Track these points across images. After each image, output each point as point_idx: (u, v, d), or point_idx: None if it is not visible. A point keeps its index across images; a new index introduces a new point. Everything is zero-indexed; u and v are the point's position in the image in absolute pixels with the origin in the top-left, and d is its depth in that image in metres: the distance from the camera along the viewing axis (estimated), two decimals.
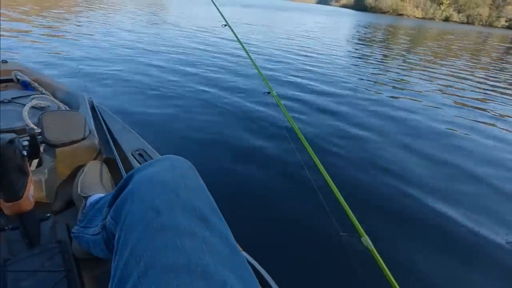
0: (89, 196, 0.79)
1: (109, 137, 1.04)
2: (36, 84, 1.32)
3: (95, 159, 0.98)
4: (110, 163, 1.00)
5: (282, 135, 2.28)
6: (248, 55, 1.08)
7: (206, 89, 3.16)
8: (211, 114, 2.55)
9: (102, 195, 0.78)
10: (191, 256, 0.33)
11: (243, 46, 1.17)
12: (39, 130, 0.60)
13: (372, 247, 0.48)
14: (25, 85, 1.34)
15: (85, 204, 0.76)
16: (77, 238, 0.65)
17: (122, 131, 1.09)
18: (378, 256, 0.47)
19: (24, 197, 0.62)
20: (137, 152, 0.99)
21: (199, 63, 4.22)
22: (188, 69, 3.83)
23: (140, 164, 0.93)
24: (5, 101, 1.03)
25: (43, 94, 1.26)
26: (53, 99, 1.16)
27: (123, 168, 0.89)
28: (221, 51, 5.37)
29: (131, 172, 0.48)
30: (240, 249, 0.48)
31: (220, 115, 2.56)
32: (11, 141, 0.57)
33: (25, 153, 0.62)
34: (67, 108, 1.20)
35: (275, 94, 0.99)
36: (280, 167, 1.89)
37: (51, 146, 0.59)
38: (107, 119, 1.18)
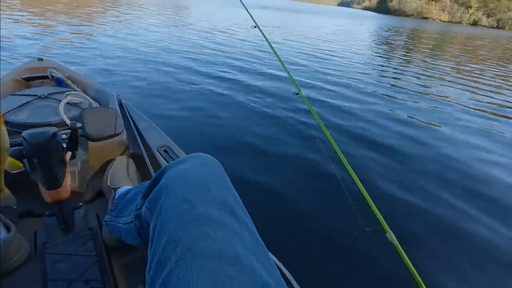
0: (118, 188, 0.84)
1: (136, 133, 1.09)
2: (69, 81, 1.39)
3: (122, 153, 1.03)
4: (136, 158, 1.05)
5: (306, 130, 2.30)
6: (277, 55, 1.09)
7: (232, 89, 3.19)
8: (237, 114, 2.57)
9: (130, 187, 0.82)
10: (222, 244, 0.36)
11: (271, 46, 1.18)
12: (80, 125, 0.64)
13: (397, 243, 0.48)
14: (59, 82, 1.42)
15: (114, 195, 0.80)
16: (109, 226, 0.69)
17: (148, 128, 1.14)
18: (403, 252, 0.47)
19: (62, 186, 0.67)
20: (163, 148, 1.03)
21: (224, 64, 4.28)
22: (213, 69, 3.89)
23: (166, 160, 0.97)
24: (43, 96, 1.10)
25: (76, 91, 1.33)
26: (85, 95, 1.23)
27: (149, 163, 0.93)
28: (247, 52, 5.41)
29: (163, 167, 0.51)
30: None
31: (246, 115, 2.58)
32: (54, 135, 0.61)
33: (64, 145, 0.67)
34: (97, 105, 1.26)
35: (304, 94, 1.00)
36: (303, 161, 1.90)
37: (90, 140, 0.64)
38: (134, 116, 1.23)
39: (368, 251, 1.21)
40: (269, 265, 0.39)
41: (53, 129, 0.62)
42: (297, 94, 1.04)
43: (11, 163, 0.67)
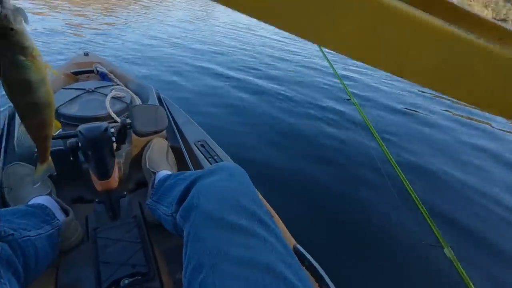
0: (157, 172, 0.88)
1: (174, 127, 1.13)
2: (112, 76, 1.46)
3: None
4: (173, 151, 1.09)
5: (358, 138, 2.16)
6: (327, 59, 1.06)
7: (275, 89, 3.07)
8: (281, 114, 2.45)
9: (168, 172, 0.87)
10: (254, 252, 0.38)
11: (321, 50, 1.14)
12: (129, 121, 0.68)
13: (455, 259, 0.46)
14: (103, 76, 1.49)
15: (154, 179, 0.85)
16: (151, 210, 0.72)
17: (186, 122, 1.17)
18: (462, 269, 0.45)
19: (112, 177, 0.71)
20: (200, 143, 1.06)
21: (268, 65, 4.09)
22: (256, 69, 3.74)
23: (203, 154, 1.00)
24: (90, 90, 1.17)
25: (118, 85, 1.40)
26: (128, 90, 1.28)
27: (188, 157, 0.97)
28: (291, 53, 5.26)
29: (194, 177, 0.55)
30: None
31: (291, 116, 2.44)
32: (106, 129, 0.65)
33: (114, 139, 0.70)
34: (138, 98, 1.31)
35: (355, 101, 0.98)
36: (357, 171, 1.79)
37: (138, 135, 0.67)
38: (172, 110, 1.27)
39: (424, 266, 1.16)
40: (298, 270, 0.40)
41: (105, 124, 0.66)
42: (348, 99, 1.01)
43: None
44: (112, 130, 0.73)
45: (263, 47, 5.23)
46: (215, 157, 0.98)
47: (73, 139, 0.65)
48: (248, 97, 2.71)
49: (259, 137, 2.05)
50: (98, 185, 0.70)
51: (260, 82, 3.22)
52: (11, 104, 0.35)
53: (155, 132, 0.69)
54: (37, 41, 3.47)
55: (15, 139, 0.87)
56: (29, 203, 0.69)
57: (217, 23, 7.38)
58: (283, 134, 2.11)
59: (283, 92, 2.96)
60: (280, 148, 1.94)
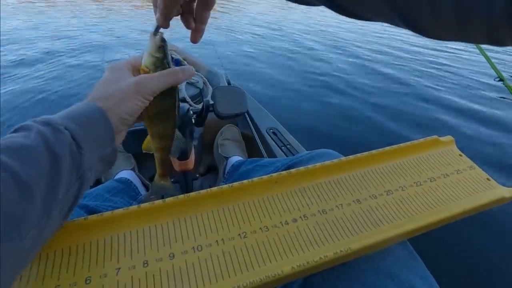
0: (229, 157, 0.87)
1: (246, 114, 1.11)
2: (185, 63, 1.51)
3: None
4: (244, 137, 1.07)
5: None
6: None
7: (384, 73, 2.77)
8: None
9: (241, 158, 0.85)
10: (373, 258, 0.34)
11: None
12: (212, 102, 0.66)
13: None
14: (177, 63, 1.55)
15: (226, 164, 0.83)
16: None
17: (256, 109, 1.15)
18: None
19: (189, 159, 0.71)
20: (271, 130, 1.02)
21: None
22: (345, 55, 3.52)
23: (275, 142, 0.96)
24: None
25: None
26: (201, 75, 1.31)
27: (260, 143, 0.94)
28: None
29: (288, 164, 0.50)
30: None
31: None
32: (188, 110, 0.64)
33: (193, 121, 0.70)
34: (210, 85, 1.33)
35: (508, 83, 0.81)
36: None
37: (220, 118, 0.66)
38: None
39: None
40: (427, 274, 0.35)
41: (187, 106, 0.65)
42: (499, 80, 0.84)
43: None
44: (191, 112, 0.73)
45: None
46: (288, 146, 0.93)
47: None
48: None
49: None
50: (177, 165, 0.71)
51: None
52: None
53: (237, 115, 0.67)
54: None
55: None
56: (116, 176, 0.75)
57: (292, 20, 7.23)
58: None
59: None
60: None
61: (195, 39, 0.38)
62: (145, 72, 0.35)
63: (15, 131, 0.26)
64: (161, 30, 0.36)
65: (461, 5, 0.16)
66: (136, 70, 0.36)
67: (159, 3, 0.33)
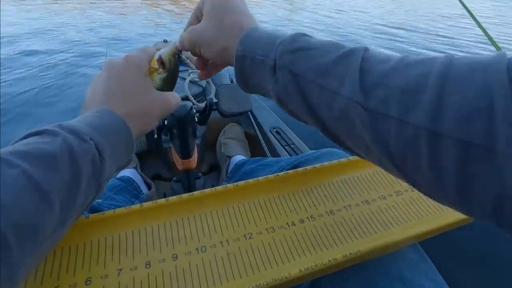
0: (232, 156, 0.86)
1: (249, 113, 1.10)
2: (188, 61, 1.50)
3: None
4: (247, 136, 1.06)
5: None
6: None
7: None
8: None
9: (244, 157, 0.84)
10: (383, 261, 0.33)
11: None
12: (215, 100, 0.65)
13: None
14: (180, 61, 1.55)
15: (229, 162, 0.82)
16: None
17: (260, 108, 1.13)
18: None
19: (192, 157, 0.70)
20: (275, 129, 1.01)
21: None
22: None
23: (278, 141, 0.95)
24: None
25: (194, 69, 1.43)
26: None
27: (264, 142, 0.93)
28: None
29: (293, 163, 0.48)
30: None
31: None
32: (191, 108, 0.63)
33: (196, 119, 0.69)
34: (212, 83, 1.32)
35: None
36: None
37: (223, 116, 0.64)
38: None
39: None
40: (438, 277, 0.34)
41: (190, 104, 0.64)
42: None
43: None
44: (194, 111, 0.72)
45: None
46: (292, 145, 0.92)
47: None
48: None
49: None
50: (180, 164, 0.70)
51: None
52: None
53: (240, 114, 0.66)
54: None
55: None
56: (119, 175, 0.74)
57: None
58: None
59: None
60: None
61: (201, 78, 0.41)
62: (154, 69, 0.35)
63: (38, 133, 0.25)
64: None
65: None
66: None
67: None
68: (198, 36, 0.32)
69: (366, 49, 0.23)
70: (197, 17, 0.34)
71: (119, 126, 0.29)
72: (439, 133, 0.17)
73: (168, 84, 0.37)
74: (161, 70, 0.35)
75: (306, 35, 0.26)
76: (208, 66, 0.39)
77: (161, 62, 0.35)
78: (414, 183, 0.21)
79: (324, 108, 0.24)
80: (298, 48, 0.25)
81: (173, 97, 0.36)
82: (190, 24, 0.35)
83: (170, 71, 0.36)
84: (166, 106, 0.35)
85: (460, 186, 0.17)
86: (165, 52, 0.36)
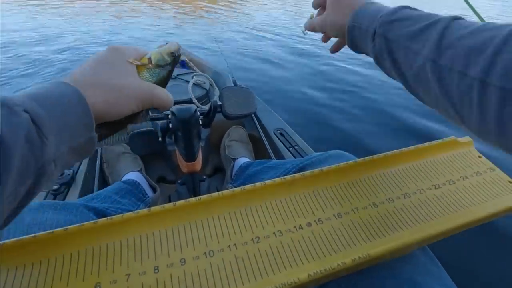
0: (236, 158, 0.86)
1: (253, 115, 1.10)
2: (191, 64, 1.50)
3: None
4: (250, 139, 1.06)
5: None
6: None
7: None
8: None
9: (248, 160, 0.84)
10: (393, 264, 0.33)
11: None
12: (220, 103, 0.66)
13: None
14: (182, 64, 1.55)
15: (234, 165, 0.82)
16: None
17: (263, 110, 1.13)
18: None
19: (197, 160, 0.70)
20: (279, 131, 1.01)
21: None
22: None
23: (282, 143, 0.95)
24: (173, 77, 1.21)
25: (197, 72, 1.43)
26: (208, 77, 1.30)
27: (268, 144, 0.93)
28: None
29: (299, 166, 0.49)
30: None
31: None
32: (195, 111, 0.64)
33: (200, 122, 0.69)
34: (216, 86, 1.32)
35: None
36: None
37: (228, 118, 0.65)
38: None
39: None
40: (448, 282, 0.34)
41: (194, 106, 0.64)
42: None
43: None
44: (198, 113, 0.72)
45: None
46: (296, 147, 0.92)
47: (165, 121, 0.66)
48: None
49: None
50: (184, 167, 0.70)
51: None
52: None
53: (245, 116, 0.66)
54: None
55: None
56: (124, 178, 0.74)
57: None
58: None
59: None
60: None
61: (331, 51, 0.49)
62: (143, 65, 0.34)
63: None
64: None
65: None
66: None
67: None
68: (323, 21, 0.43)
69: (454, 19, 0.28)
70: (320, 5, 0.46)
71: (67, 95, 0.24)
72: (488, 83, 0.22)
73: (158, 81, 0.36)
74: (150, 65, 0.34)
75: (408, 7, 0.33)
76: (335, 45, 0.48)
77: (150, 59, 0.35)
78: (469, 126, 0.26)
79: (407, 67, 0.30)
80: (395, 19, 0.32)
81: (164, 93, 0.33)
82: (318, 5, 0.46)
83: (160, 68, 0.35)
84: (152, 97, 0.32)
85: (500, 122, 0.22)
86: (157, 51, 0.36)
